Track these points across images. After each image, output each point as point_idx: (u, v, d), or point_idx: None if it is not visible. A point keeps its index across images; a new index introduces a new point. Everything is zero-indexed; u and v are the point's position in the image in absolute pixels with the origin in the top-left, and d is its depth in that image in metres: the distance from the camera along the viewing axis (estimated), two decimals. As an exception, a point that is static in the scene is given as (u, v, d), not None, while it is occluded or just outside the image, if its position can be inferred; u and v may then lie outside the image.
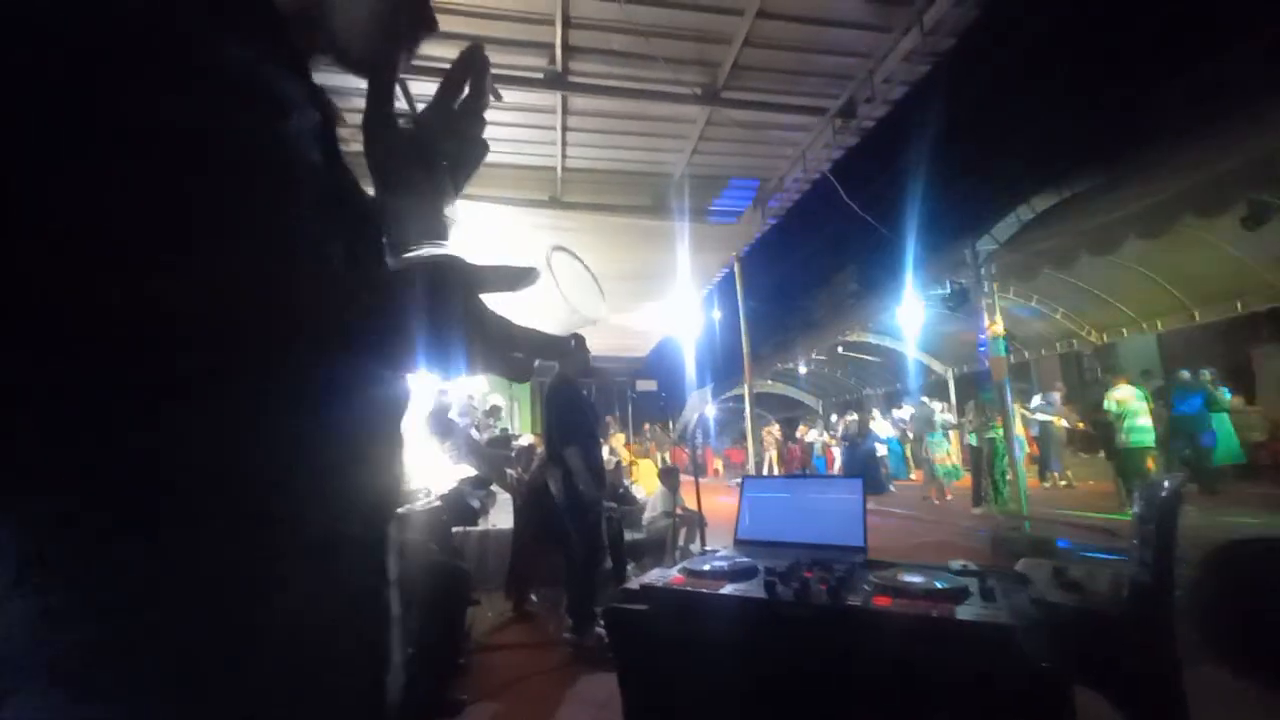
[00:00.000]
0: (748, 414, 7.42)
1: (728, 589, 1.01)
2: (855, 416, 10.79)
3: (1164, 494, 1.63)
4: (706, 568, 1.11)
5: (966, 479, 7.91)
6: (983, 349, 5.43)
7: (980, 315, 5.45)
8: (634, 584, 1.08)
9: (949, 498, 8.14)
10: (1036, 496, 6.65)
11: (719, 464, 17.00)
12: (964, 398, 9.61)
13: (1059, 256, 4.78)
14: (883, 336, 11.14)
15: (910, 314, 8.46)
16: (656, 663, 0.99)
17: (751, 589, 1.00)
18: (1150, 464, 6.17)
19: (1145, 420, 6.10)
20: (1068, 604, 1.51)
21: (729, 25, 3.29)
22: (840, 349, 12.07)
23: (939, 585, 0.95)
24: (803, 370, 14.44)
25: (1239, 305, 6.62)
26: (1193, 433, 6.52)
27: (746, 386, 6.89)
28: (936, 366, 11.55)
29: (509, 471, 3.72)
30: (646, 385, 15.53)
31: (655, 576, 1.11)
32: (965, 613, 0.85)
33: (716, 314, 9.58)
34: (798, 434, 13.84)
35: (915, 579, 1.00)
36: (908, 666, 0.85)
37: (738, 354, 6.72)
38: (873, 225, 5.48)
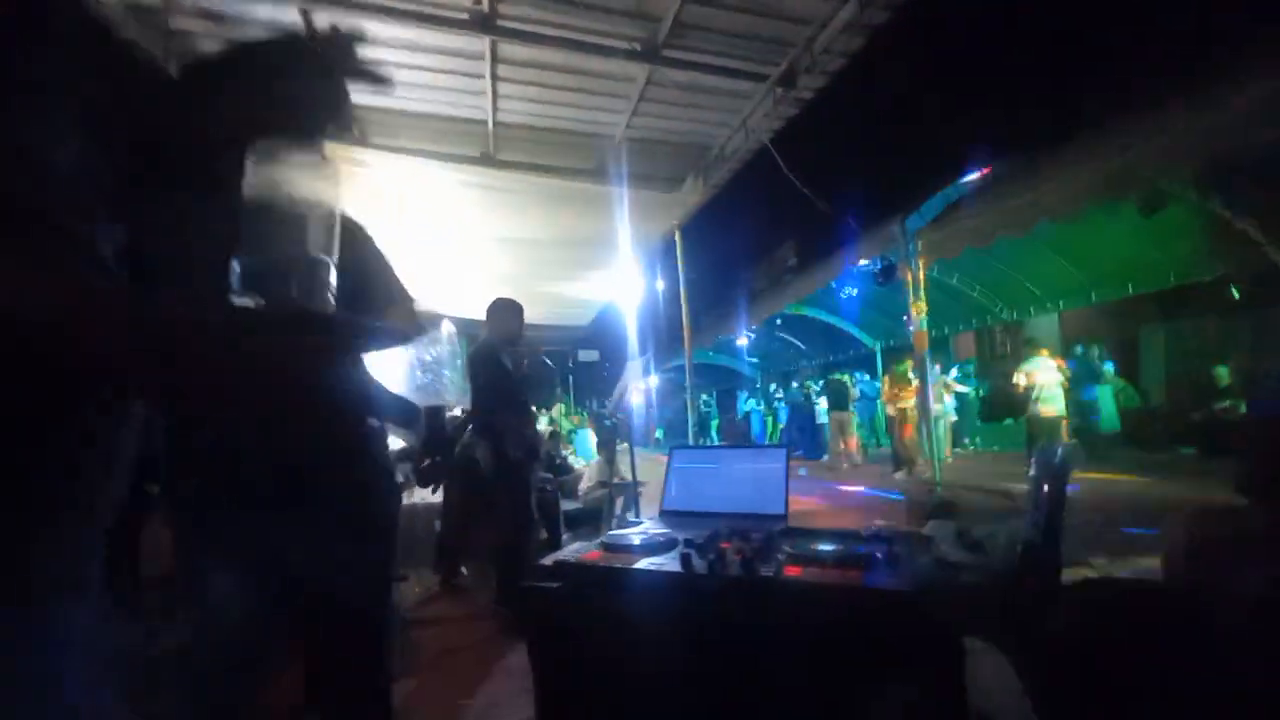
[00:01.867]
0: (688, 384, 7.51)
1: (643, 563, 0.97)
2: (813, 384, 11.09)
3: (1057, 459, 1.75)
4: (624, 541, 1.07)
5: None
6: (909, 326, 5.70)
7: (905, 291, 5.70)
8: (547, 560, 1.03)
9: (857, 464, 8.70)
10: (953, 463, 7.20)
11: (659, 433, 17.29)
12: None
13: (979, 235, 5.04)
14: (818, 310, 11.53)
15: (843, 288, 8.78)
16: (569, 641, 0.95)
17: (667, 562, 0.97)
18: (1058, 432, 6.67)
19: (1057, 390, 6.51)
20: (967, 563, 1.61)
21: (671, -23, 3.14)
22: (778, 321, 12.41)
23: (848, 552, 0.96)
24: (741, 342, 14.76)
25: (1130, 288, 7.28)
26: (1075, 396, 7.19)
27: (687, 357, 6.94)
28: (866, 339, 12.12)
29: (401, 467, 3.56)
30: (589, 355, 15.43)
31: (570, 552, 1.06)
32: (870, 579, 0.86)
33: (660, 284, 9.56)
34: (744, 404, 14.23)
35: (826, 546, 1.00)
36: (819, 635, 0.85)
37: (679, 324, 6.73)
38: (811, 199, 5.55)
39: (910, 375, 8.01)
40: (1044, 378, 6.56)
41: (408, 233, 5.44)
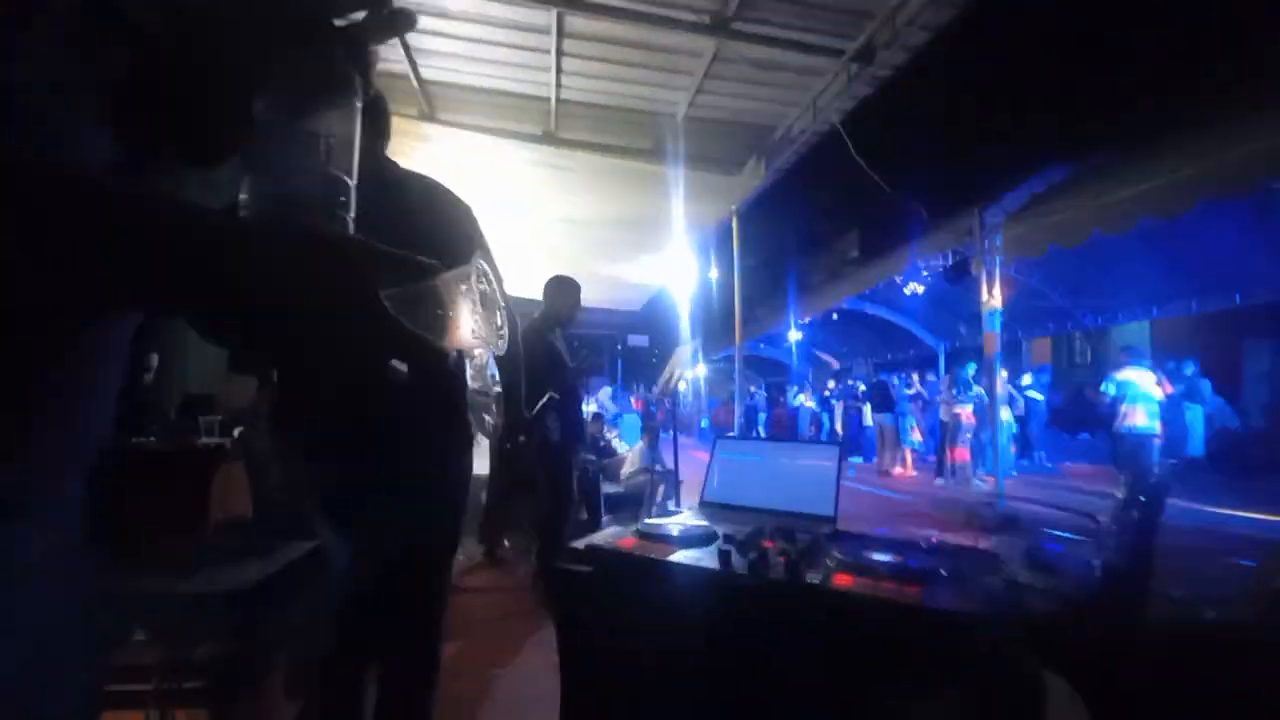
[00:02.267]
0: (737, 375, 7.36)
1: (679, 555, 0.92)
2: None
3: (1152, 480, 1.56)
4: (661, 531, 1.02)
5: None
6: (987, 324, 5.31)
7: (979, 288, 5.32)
8: (580, 543, 1.00)
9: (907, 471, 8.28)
10: (1017, 477, 6.75)
11: (704, 422, 17.15)
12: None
13: (1070, 232, 4.61)
14: (879, 306, 11.00)
15: (908, 283, 8.32)
16: (597, 628, 0.92)
17: (705, 557, 0.91)
18: (1149, 454, 5.98)
19: (1153, 407, 5.75)
20: (1040, 586, 1.47)
21: (745, -56, 2.98)
22: (835, 315, 11.94)
23: (906, 565, 0.87)
24: (794, 335, 14.34)
25: (1238, 297, 6.52)
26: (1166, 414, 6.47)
27: (737, 347, 6.78)
28: (929, 340, 11.48)
29: (486, 418, 3.63)
30: (638, 340, 15.44)
31: (605, 537, 1.02)
32: (934, 598, 0.77)
33: (714, 272, 9.37)
34: (793, 398, 13.88)
35: (882, 556, 0.91)
36: (868, 653, 0.77)
37: (731, 312, 6.58)
38: (878, 188, 5.24)
39: (972, 380, 7.53)
40: (1138, 389, 5.82)
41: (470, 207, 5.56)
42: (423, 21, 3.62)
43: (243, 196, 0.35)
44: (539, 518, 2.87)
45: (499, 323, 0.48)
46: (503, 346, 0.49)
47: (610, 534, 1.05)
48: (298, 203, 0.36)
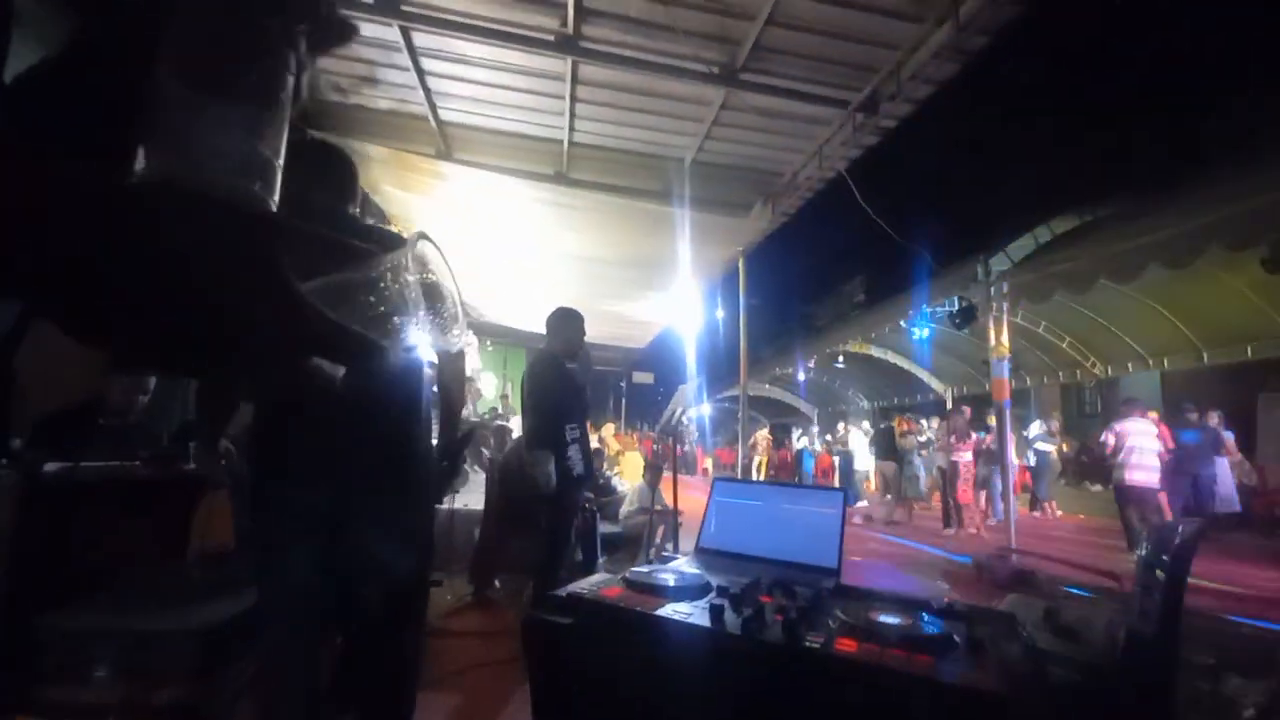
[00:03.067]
0: (741, 415, 7.27)
1: (668, 609, 0.85)
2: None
3: (1178, 539, 1.47)
4: (649, 580, 0.95)
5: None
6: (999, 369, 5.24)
7: (987, 335, 5.28)
8: (562, 591, 0.93)
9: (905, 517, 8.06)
10: (1025, 526, 6.53)
11: (708, 463, 16.89)
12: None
13: (1075, 280, 4.60)
14: (885, 350, 10.96)
15: (916, 329, 8.31)
16: (574, 687, 0.84)
17: (696, 612, 0.85)
18: (1152, 507, 5.85)
19: (1153, 457, 5.70)
20: (1060, 653, 1.36)
21: (753, 0, 3.09)
22: (840, 359, 11.91)
23: (917, 630, 0.80)
24: (800, 376, 14.27)
25: (1249, 350, 6.43)
26: (1193, 468, 6.26)
27: (742, 387, 6.73)
28: (936, 385, 11.37)
29: (483, 451, 3.57)
30: (643, 378, 15.40)
31: (589, 585, 0.95)
32: (948, 670, 0.70)
33: (720, 312, 9.39)
34: (793, 441, 13.69)
35: (891, 619, 0.84)
36: (871, 727, 0.70)
37: (737, 353, 6.55)
38: (884, 233, 5.29)
39: (966, 426, 7.43)
40: (1138, 441, 5.72)
41: (478, 243, 5.64)
42: (443, 67, 3.78)
43: (145, 165, 0.33)
44: (534, 558, 2.75)
45: (450, 320, 0.45)
46: (456, 344, 0.45)
47: (595, 581, 0.98)
48: (213, 176, 0.34)
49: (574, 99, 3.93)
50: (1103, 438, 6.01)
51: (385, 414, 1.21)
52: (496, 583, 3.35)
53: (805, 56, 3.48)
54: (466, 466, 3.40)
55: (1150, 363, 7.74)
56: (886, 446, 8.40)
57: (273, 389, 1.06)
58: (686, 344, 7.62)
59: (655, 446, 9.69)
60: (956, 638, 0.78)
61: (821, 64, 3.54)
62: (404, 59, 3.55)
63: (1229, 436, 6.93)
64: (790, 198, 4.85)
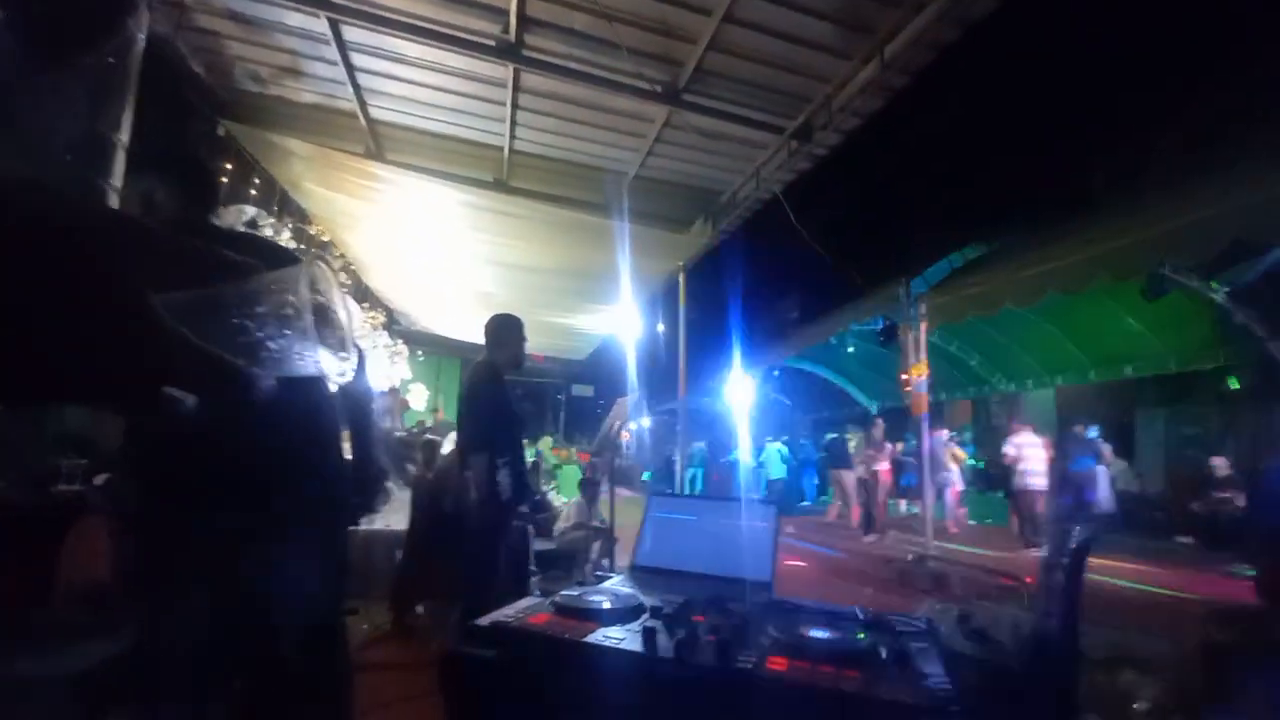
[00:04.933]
0: (681, 427, 7.33)
1: (599, 635, 0.82)
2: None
3: (1074, 543, 1.60)
4: (579, 604, 0.91)
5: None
6: (908, 388, 5.60)
7: (907, 352, 5.62)
8: (484, 620, 0.87)
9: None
10: (941, 531, 6.99)
11: (646, 475, 16.89)
12: (891, 432, 9.97)
13: (983, 303, 4.99)
14: (817, 365, 11.45)
15: (844, 345, 8.74)
16: (500, 725, 0.78)
17: (629, 637, 0.82)
18: (1040, 506, 6.68)
19: (1040, 464, 6.70)
20: (974, 655, 1.43)
21: (695, 24, 3.18)
22: (776, 373, 12.32)
23: (844, 645, 0.81)
24: (740, 389, 14.61)
25: (1130, 369, 7.22)
26: (1081, 488, 7.09)
27: (680, 399, 6.79)
28: (862, 399, 11.99)
29: (408, 467, 3.37)
30: (583, 390, 15.27)
31: (514, 612, 0.90)
32: (875, 685, 0.71)
33: (660, 326, 9.48)
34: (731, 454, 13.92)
35: (819, 633, 0.85)
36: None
37: (676, 366, 6.62)
38: (816, 254, 5.55)
39: (882, 438, 8.03)
40: (1030, 452, 6.77)
41: (411, 249, 5.41)
42: (375, 64, 3.62)
43: None
44: (461, 582, 2.59)
45: (338, 347, 0.40)
46: (346, 374, 0.40)
47: (522, 608, 0.93)
48: (47, 161, 0.28)
49: (516, 106, 3.88)
50: (1005, 449, 6.94)
51: (272, 438, 1.09)
52: (420, 609, 3.14)
53: (744, 82, 3.61)
54: (390, 484, 3.18)
55: (1046, 380, 8.52)
56: (840, 455, 8.72)
57: (132, 415, 0.94)
58: (627, 356, 7.64)
59: (593, 460, 9.56)
60: (881, 650, 0.80)
61: (759, 91, 3.69)
62: (332, 52, 3.38)
63: (1107, 447, 7.82)
64: (730, 216, 4.99)
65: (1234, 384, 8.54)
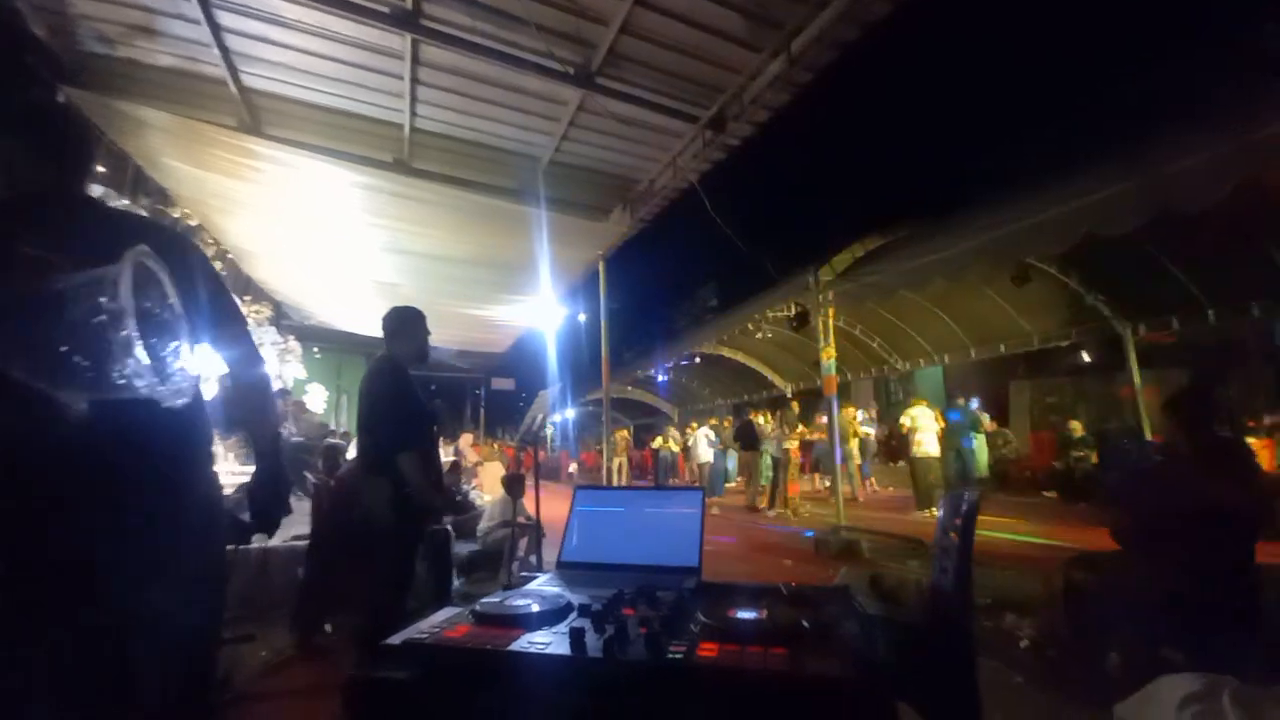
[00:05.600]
0: (605, 417, 7.31)
1: (524, 641, 0.76)
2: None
3: (964, 505, 1.75)
4: (501, 611, 0.85)
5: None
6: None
7: (817, 336, 5.95)
8: (396, 639, 0.79)
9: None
10: (850, 501, 7.55)
11: (574, 467, 16.79)
12: (806, 413, 10.53)
13: (881, 289, 5.37)
14: (735, 350, 11.86)
15: (758, 331, 9.11)
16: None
17: (555, 640, 0.77)
18: (935, 473, 7.38)
19: (932, 435, 7.34)
20: (885, 615, 1.53)
21: (607, 5, 3.11)
22: (697, 359, 12.62)
23: (770, 623, 0.81)
24: (661, 378, 14.85)
25: (1003, 347, 8.11)
26: (957, 442, 7.90)
27: (604, 389, 6.77)
28: (779, 382, 12.60)
29: (307, 475, 3.07)
30: (503, 383, 14.79)
31: (428, 627, 0.82)
32: (800, 660, 0.71)
33: (582, 316, 9.36)
34: (658, 442, 14.11)
35: (745, 614, 0.85)
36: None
37: (599, 356, 6.57)
38: (733, 243, 5.70)
39: (797, 419, 8.58)
40: (923, 424, 7.41)
41: (300, 235, 4.93)
42: (247, 25, 3.22)
43: None
44: (372, 596, 2.38)
45: (168, 363, 0.33)
46: (175, 396, 0.33)
47: (438, 621, 0.85)
48: None
49: (416, 81, 3.61)
50: (902, 420, 7.48)
51: (86, 465, 0.91)
52: (328, 627, 2.89)
53: (658, 69, 3.60)
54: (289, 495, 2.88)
55: (935, 358, 9.39)
56: (748, 438, 9.03)
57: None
58: (548, 348, 7.47)
59: (517, 454, 9.28)
60: (805, 623, 0.81)
61: (673, 78, 3.69)
62: (193, 9, 2.96)
63: (985, 416, 8.77)
64: (648, 204, 4.98)
65: (1086, 357, 9.89)
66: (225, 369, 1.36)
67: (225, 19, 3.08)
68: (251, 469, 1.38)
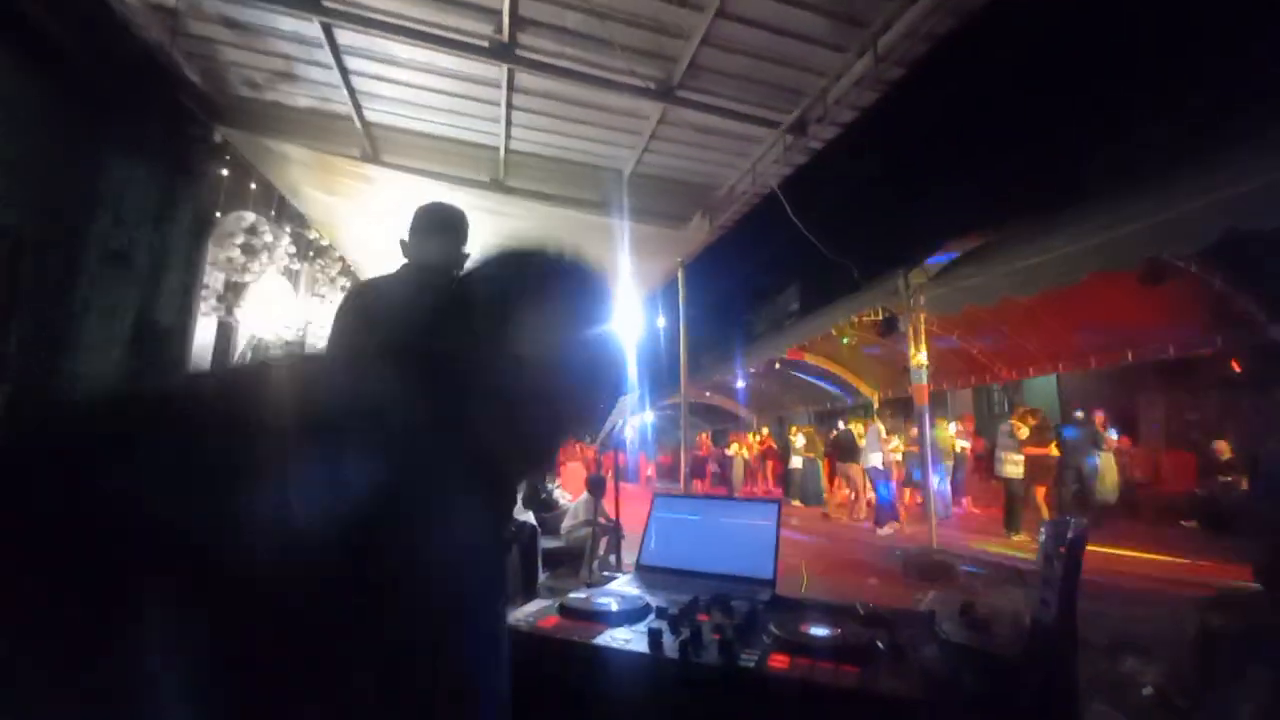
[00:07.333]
0: (683, 422, 7.35)
1: (606, 636, 0.84)
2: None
3: (1070, 533, 1.62)
4: (587, 607, 0.94)
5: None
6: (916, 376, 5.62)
7: (907, 343, 5.64)
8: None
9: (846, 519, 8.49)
10: (945, 520, 7.03)
11: (651, 470, 16.99)
12: (894, 423, 9.98)
13: (983, 293, 5.00)
14: (818, 356, 11.47)
15: (842, 337, 8.75)
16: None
17: (635, 638, 0.84)
18: (1037, 494, 6.70)
19: (1017, 454, 6.73)
20: (974, 646, 1.46)
21: (688, 20, 3.17)
22: (777, 365, 12.34)
23: (843, 640, 0.83)
24: (740, 384, 14.66)
25: (1130, 355, 7.23)
26: (1077, 460, 7.09)
27: (682, 394, 6.82)
28: (865, 390, 12.02)
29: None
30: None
31: (523, 616, 0.92)
32: (872, 678, 0.73)
33: (660, 321, 9.47)
34: (732, 449, 13.96)
35: (819, 630, 0.87)
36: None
37: (678, 362, 6.64)
38: (816, 246, 5.55)
39: (881, 428, 8.02)
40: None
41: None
42: (369, 67, 3.62)
43: None
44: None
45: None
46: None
47: (531, 612, 0.95)
48: None
49: (510, 106, 3.88)
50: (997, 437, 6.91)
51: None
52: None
53: (738, 77, 3.61)
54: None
55: (1047, 367, 8.54)
56: (848, 449, 8.54)
57: None
58: (628, 354, 7.63)
59: (597, 457, 9.54)
60: (880, 644, 0.82)
61: (754, 85, 3.68)
62: (326, 56, 3.38)
63: (1111, 434, 7.77)
64: (727, 211, 4.99)
65: (1236, 368, 8.56)
66: None
67: (351, 63, 3.50)
68: None
